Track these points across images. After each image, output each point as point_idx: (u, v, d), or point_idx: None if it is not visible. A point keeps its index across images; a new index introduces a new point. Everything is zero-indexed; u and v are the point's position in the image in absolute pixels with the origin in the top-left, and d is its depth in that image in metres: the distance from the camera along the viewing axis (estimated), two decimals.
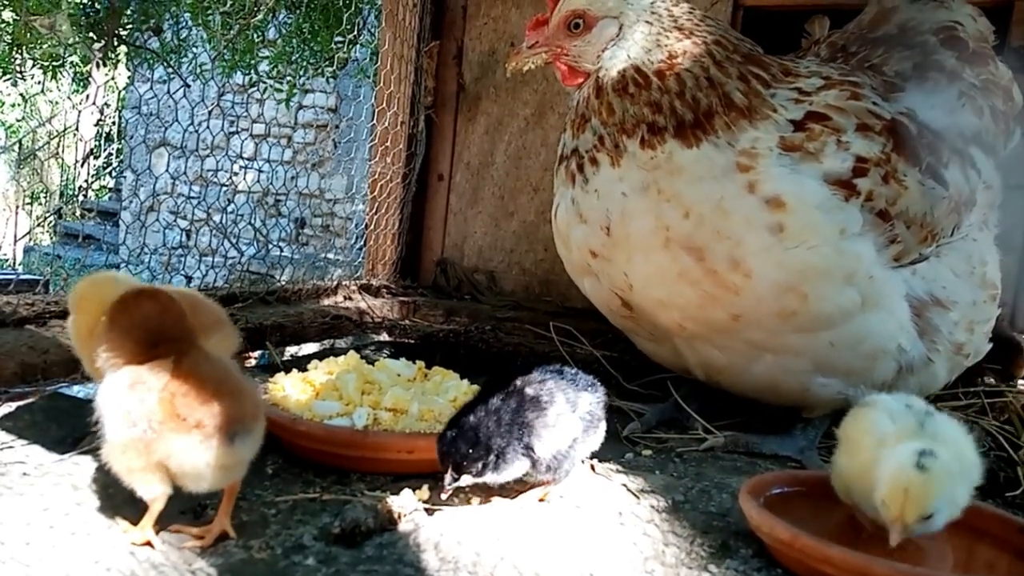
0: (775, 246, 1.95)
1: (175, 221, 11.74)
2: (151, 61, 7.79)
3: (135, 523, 1.45)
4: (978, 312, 2.28)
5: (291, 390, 2.00)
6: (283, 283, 3.35)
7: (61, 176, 15.80)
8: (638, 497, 1.82)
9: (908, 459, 1.46)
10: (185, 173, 10.83)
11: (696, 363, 2.34)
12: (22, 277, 4.97)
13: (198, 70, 7.01)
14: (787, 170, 1.98)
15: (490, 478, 1.66)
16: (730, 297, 2.01)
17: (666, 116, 2.00)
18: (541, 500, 1.74)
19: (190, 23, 7.19)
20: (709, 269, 2.00)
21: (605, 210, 2.11)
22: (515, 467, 1.67)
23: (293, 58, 7.22)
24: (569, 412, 1.71)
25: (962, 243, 2.28)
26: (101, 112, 13.91)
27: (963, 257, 2.27)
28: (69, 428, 1.92)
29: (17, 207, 14.37)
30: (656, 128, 2.01)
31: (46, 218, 15.18)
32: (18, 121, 17.60)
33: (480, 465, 1.61)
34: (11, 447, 1.80)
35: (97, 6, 6.72)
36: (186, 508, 1.56)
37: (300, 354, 3.10)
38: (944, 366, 2.26)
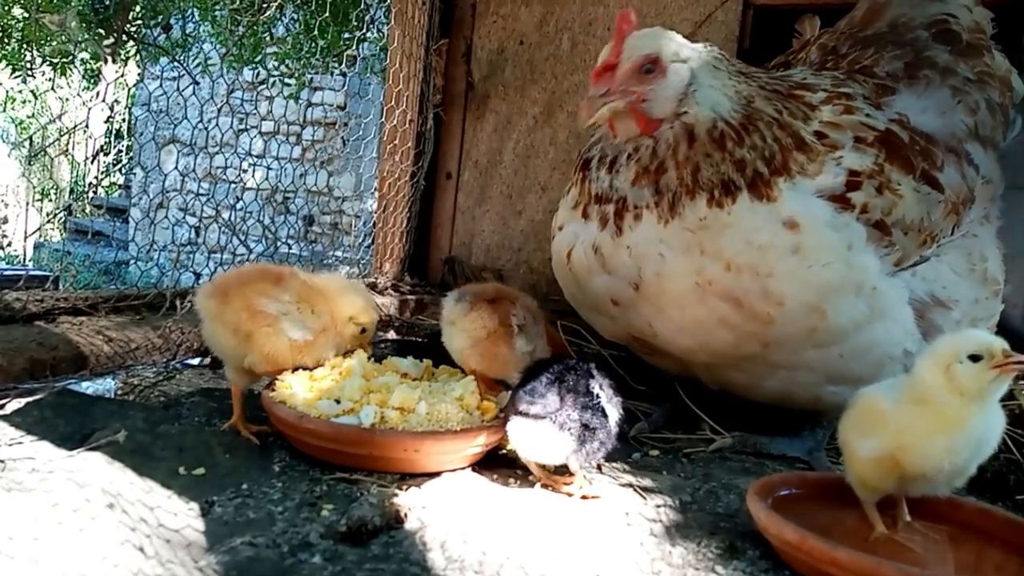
0: (798, 267, 1.94)
1: (184, 218, 11.76)
2: (158, 56, 7.83)
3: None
4: (980, 309, 2.27)
5: (298, 388, 2.00)
6: None
7: (71, 173, 15.87)
8: (645, 497, 1.82)
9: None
10: (194, 170, 10.86)
11: (709, 379, 2.34)
12: (32, 273, 4.99)
13: (205, 63, 7.03)
14: (795, 192, 1.97)
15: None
16: (764, 328, 1.99)
17: (745, 175, 1.96)
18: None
19: (198, 19, 7.22)
20: (747, 311, 1.98)
21: (637, 268, 2.05)
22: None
23: (302, 54, 7.24)
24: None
25: (963, 240, 2.26)
26: (111, 109, 13.97)
27: (963, 255, 2.26)
28: (78, 424, 1.93)
29: (27, 203, 14.44)
30: (731, 187, 1.96)
31: (56, 214, 15.25)
32: (29, 118, 17.68)
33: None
34: (20, 443, 1.80)
35: (107, 1, 6.75)
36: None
37: None
38: None
